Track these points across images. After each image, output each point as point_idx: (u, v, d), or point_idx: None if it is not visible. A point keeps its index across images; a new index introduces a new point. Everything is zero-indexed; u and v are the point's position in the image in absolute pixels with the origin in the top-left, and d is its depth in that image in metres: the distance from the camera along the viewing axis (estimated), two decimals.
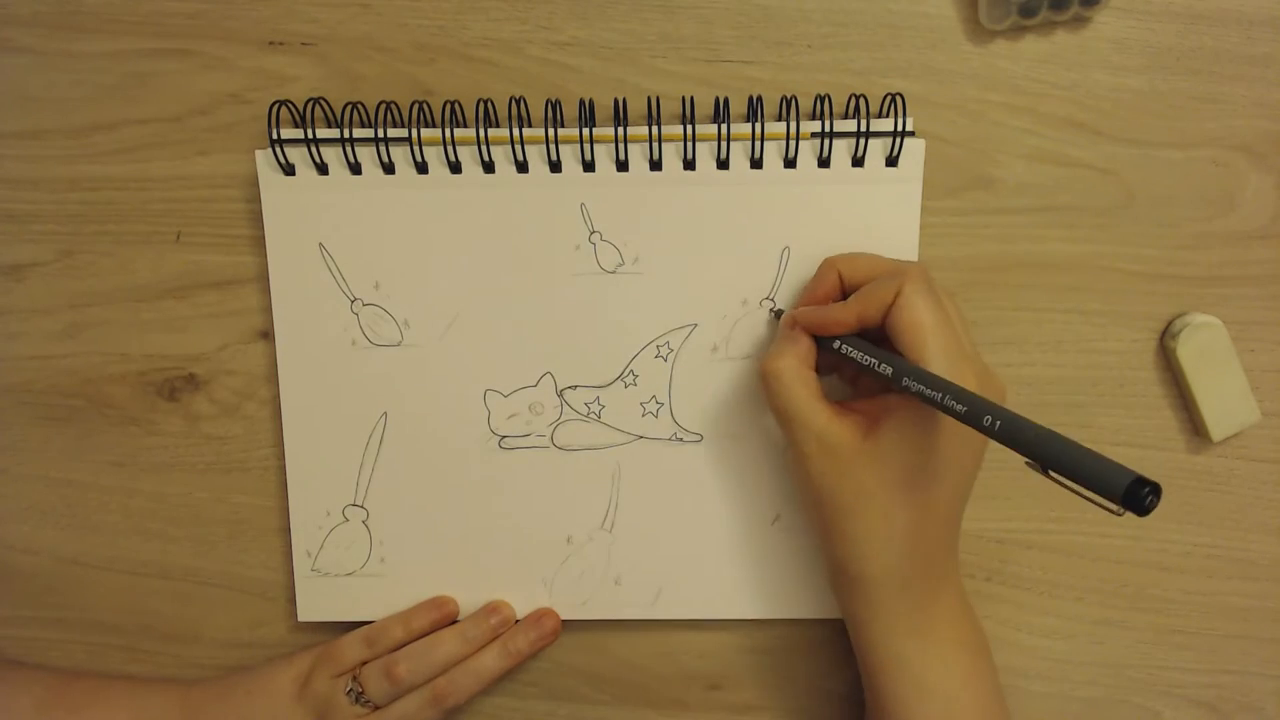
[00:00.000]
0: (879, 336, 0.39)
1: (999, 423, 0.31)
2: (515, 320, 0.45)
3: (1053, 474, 0.29)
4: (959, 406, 0.32)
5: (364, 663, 0.45)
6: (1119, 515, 0.28)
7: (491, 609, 0.46)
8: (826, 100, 0.43)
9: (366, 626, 0.47)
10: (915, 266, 0.39)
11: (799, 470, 0.40)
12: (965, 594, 0.42)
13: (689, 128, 0.43)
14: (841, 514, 0.39)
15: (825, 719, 0.49)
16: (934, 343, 0.37)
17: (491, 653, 0.46)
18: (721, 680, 0.49)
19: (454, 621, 0.47)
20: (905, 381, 0.35)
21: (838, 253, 0.43)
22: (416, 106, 0.43)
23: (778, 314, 0.44)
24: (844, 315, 0.39)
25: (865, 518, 0.38)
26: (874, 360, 0.37)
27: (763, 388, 0.41)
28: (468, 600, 0.47)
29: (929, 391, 0.34)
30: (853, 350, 0.39)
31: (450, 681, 0.45)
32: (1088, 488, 0.28)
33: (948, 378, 0.35)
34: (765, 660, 0.48)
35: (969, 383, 0.36)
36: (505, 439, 0.46)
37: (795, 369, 0.40)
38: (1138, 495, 0.26)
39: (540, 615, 0.47)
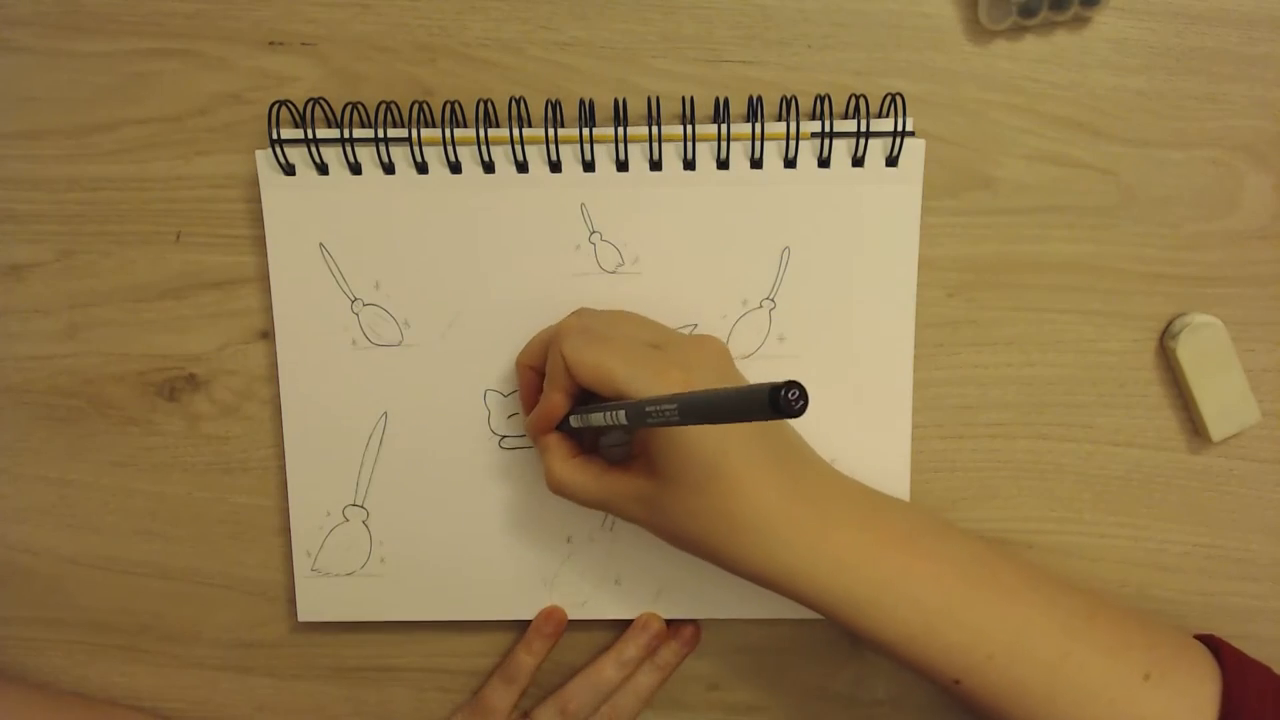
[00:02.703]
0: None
1: (671, 410, 0.31)
2: (515, 320, 0.45)
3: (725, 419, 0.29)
4: (675, 415, 0.32)
5: (515, 704, 0.47)
6: (775, 418, 0.27)
7: (641, 626, 0.47)
8: (826, 100, 0.43)
9: (499, 668, 0.47)
10: (565, 322, 0.41)
11: (655, 533, 0.40)
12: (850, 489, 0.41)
13: (689, 128, 0.43)
14: (706, 536, 0.38)
15: (825, 719, 0.49)
16: (618, 373, 0.37)
17: (645, 673, 0.47)
18: (721, 680, 0.49)
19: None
20: (629, 420, 0.35)
21: (836, 254, 0.43)
22: (416, 106, 0.43)
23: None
24: (551, 400, 0.40)
25: (720, 518, 0.38)
26: (604, 415, 0.37)
27: (568, 498, 0.41)
28: (469, 601, 0.47)
29: (654, 415, 0.33)
30: (586, 421, 0.39)
31: (615, 709, 0.46)
32: (739, 419, 0.28)
33: (649, 388, 0.36)
34: (765, 660, 0.48)
35: (670, 375, 0.36)
36: (505, 439, 0.46)
37: (568, 470, 0.40)
38: (779, 400, 0.26)
39: (679, 627, 0.47)
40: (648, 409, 0.32)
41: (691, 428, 0.36)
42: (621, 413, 0.36)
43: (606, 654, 0.47)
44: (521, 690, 0.47)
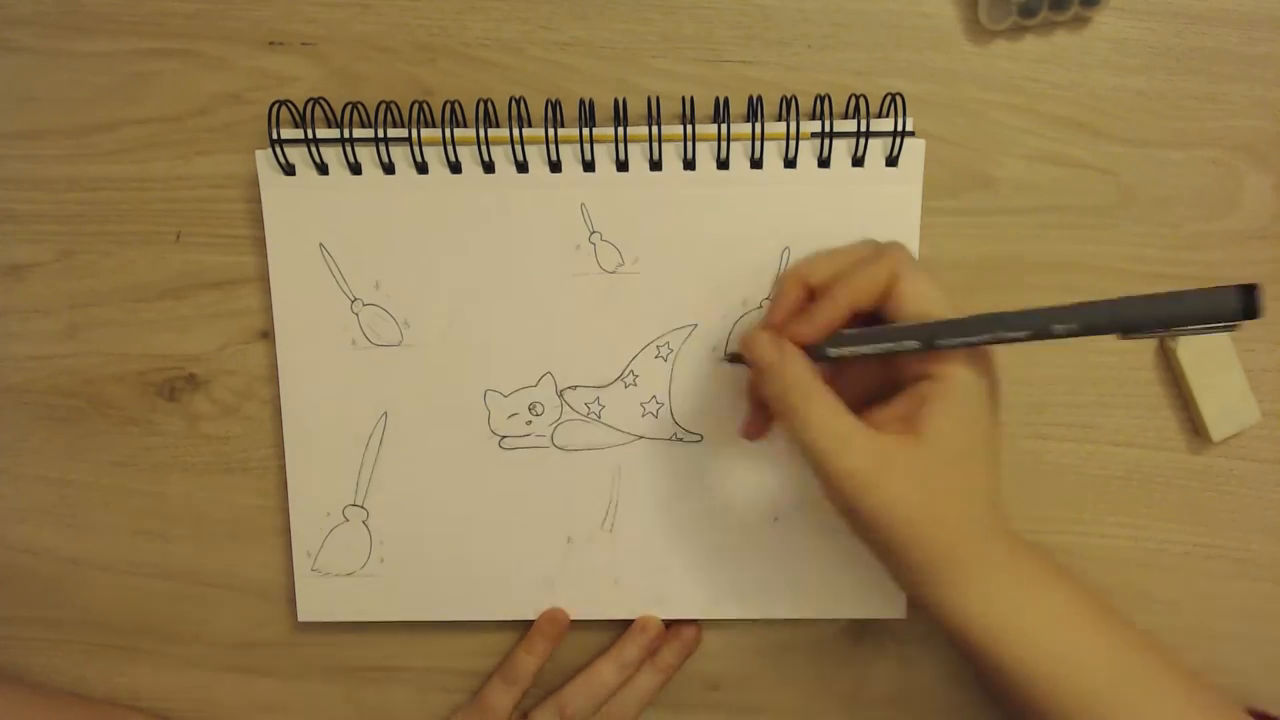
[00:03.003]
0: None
1: (1072, 324, 0.30)
2: (515, 320, 0.45)
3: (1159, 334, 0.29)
4: (1020, 333, 0.31)
5: (516, 705, 0.47)
6: (1238, 327, 0.27)
7: (640, 627, 0.47)
8: (826, 100, 0.43)
9: (500, 668, 0.47)
10: (896, 246, 0.37)
11: (854, 503, 0.35)
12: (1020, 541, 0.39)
13: (689, 128, 0.43)
14: (913, 520, 0.35)
15: (825, 719, 0.49)
16: (945, 308, 0.35)
17: (646, 675, 0.47)
18: (721, 680, 0.49)
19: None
20: (942, 342, 0.33)
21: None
22: (416, 106, 0.43)
23: (732, 358, 0.43)
24: (834, 311, 0.36)
25: (943, 506, 0.35)
26: (892, 342, 0.34)
27: (785, 426, 0.37)
28: (468, 601, 0.47)
29: (977, 337, 0.32)
30: (858, 347, 0.36)
31: (615, 711, 0.46)
32: (1196, 324, 0.28)
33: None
34: (765, 660, 0.48)
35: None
36: (505, 439, 0.46)
37: (811, 381, 0.36)
38: (1249, 302, 0.26)
39: (679, 628, 0.47)
40: (1045, 323, 0.30)
41: (971, 405, 0.35)
42: (914, 340, 0.33)
43: (605, 655, 0.47)
44: (522, 691, 0.47)
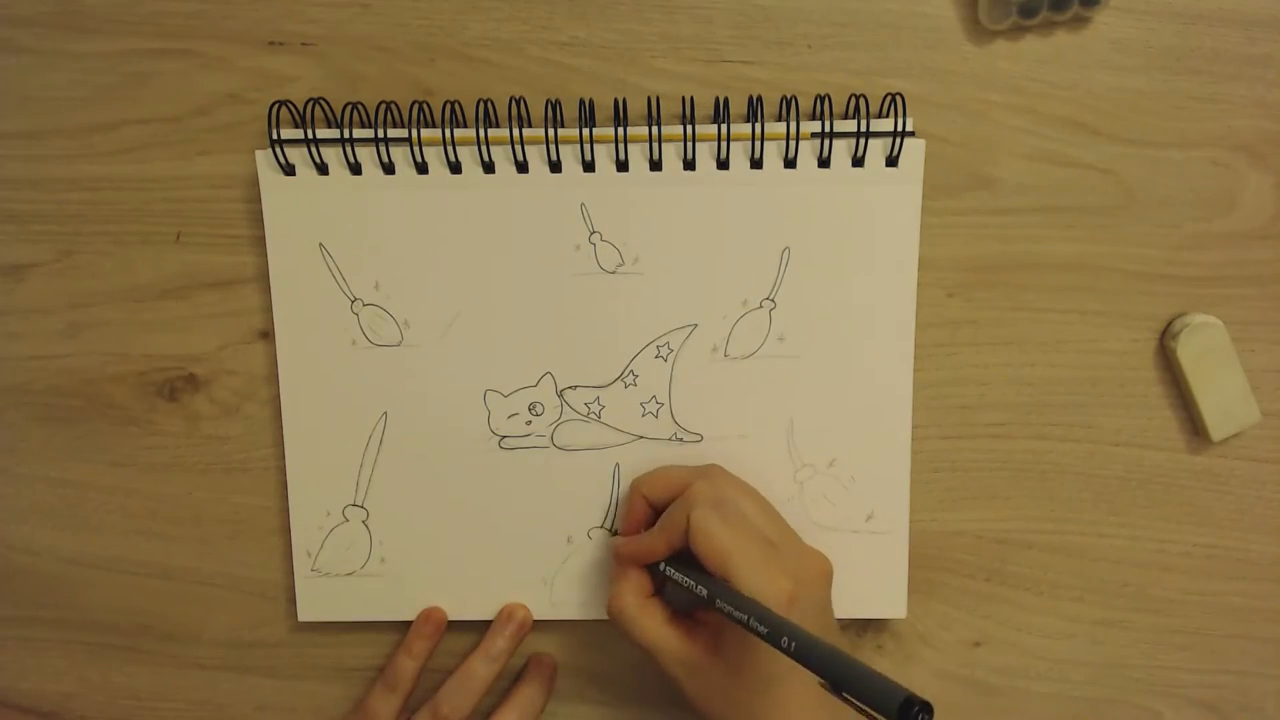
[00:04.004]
0: None
1: (794, 644, 0.34)
2: (515, 320, 0.45)
3: (845, 695, 0.32)
4: (761, 628, 0.35)
5: (400, 710, 0.46)
6: None
7: (506, 617, 0.46)
8: (826, 100, 0.43)
9: (381, 674, 0.47)
10: (700, 485, 0.41)
11: (677, 691, 0.41)
12: None
13: (689, 128, 0.43)
14: (729, 713, 0.39)
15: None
16: (734, 561, 0.38)
17: (477, 662, 0.46)
18: None
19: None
20: (718, 604, 0.37)
21: (836, 254, 0.43)
22: (416, 106, 0.43)
23: (614, 532, 0.46)
24: (654, 545, 0.41)
25: (746, 709, 0.39)
26: (692, 584, 0.39)
27: (617, 627, 0.42)
28: (469, 601, 0.47)
29: (736, 614, 0.36)
30: (675, 574, 0.41)
31: (451, 706, 0.45)
32: (867, 705, 0.30)
33: (757, 588, 0.37)
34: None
35: (779, 583, 0.38)
36: (505, 439, 0.46)
37: (636, 605, 0.41)
38: (908, 713, 0.29)
39: (510, 611, 0.46)
40: (775, 634, 0.34)
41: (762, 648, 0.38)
42: (705, 590, 0.38)
43: (475, 651, 0.46)
44: (405, 695, 0.46)
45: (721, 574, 0.38)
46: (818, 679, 0.32)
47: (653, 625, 0.41)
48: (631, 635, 0.41)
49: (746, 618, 0.36)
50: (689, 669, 0.40)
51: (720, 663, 0.39)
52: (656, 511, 0.43)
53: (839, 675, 0.32)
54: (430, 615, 0.46)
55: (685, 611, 0.42)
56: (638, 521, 0.44)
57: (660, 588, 0.43)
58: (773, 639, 0.34)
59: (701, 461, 0.45)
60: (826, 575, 0.42)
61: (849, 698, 0.31)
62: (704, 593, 0.38)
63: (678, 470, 0.44)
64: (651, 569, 0.43)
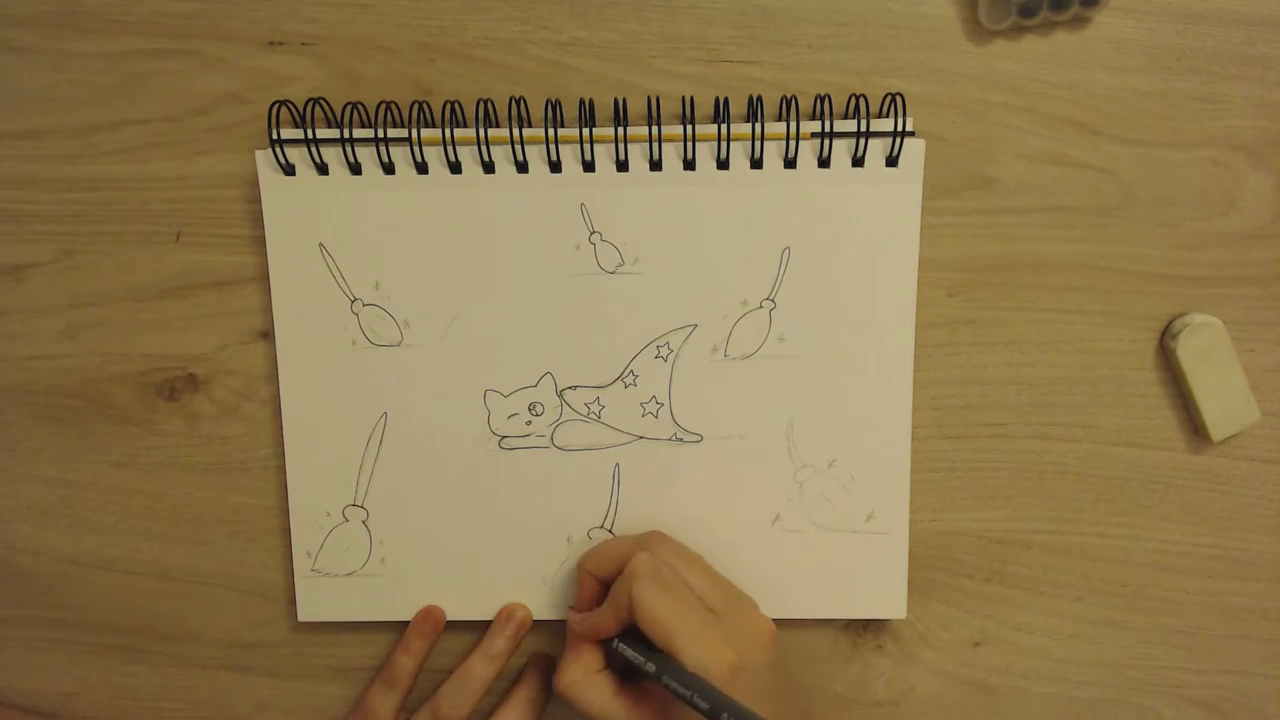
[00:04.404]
0: None
1: None
2: (515, 320, 0.45)
3: None
4: (703, 704, 0.36)
5: (399, 708, 0.46)
6: None
7: (506, 616, 0.46)
8: (826, 100, 0.43)
9: (379, 672, 0.47)
10: (641, 558, 0.41)
11: None
12: None
13: (689, 128, 0.43)
14: None
15: (825, 719, 0.49)
16: (676, 633, 0.38)
17: (476, 662, 0.46)
18: None
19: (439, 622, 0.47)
20: (663, 680, 0.38)
21: (836, 254, 0.43)
22: (416, 106, 0.43)
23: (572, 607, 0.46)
24: (603, 622, 0.41)
25: None
26: (640, 660, 0.40)
27: (565, 702, 0.42)
28: (468, 601, 0.47)
29: (681, 690, 0.37)
30: (625, 650, 0.41)
31: (450, 705, 0.45)
32: None
33: (700, 660, 0.37)
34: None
35: (722, 654, 0.38)
36: (505, 439, 0.46)
37: (583, 680, 0.41)
38: None
39: (509, 611, 0.46)
40: (715, 711, 0.36)
41: None
42: (652, 665, 0.39)
43: (475, 651, 0.46)
44: (404, 693, 0.46)
45: (665, 647, 0.38)
46: None
47: (599, 699, 0.41)
48: (579, 708, 0.41)
49: (690, 694, 0.37)
50: None
51: None
52: (605, 586, 0.43)
53: None
54: (429, 613, 0.46)
55: (635, 681, 0.42)
56: (589, 598, 0.44)
57: (611, 660, 0.43)
58: (713, 716, 0.36)
59: (701, 462, 0.45)
60: (772, 639, 0.42)
61: None
62: (651, 669, 0.39)
63: (620, 543, 0.44)
64: (604, 642, 0.42)
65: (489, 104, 0.43)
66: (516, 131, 0.42)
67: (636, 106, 0.44)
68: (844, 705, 0.48)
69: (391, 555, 0.46)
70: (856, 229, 0.44)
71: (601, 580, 0.43)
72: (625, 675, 0.42)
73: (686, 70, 0.44)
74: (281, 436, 0.46)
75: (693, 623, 0.39)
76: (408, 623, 0.47)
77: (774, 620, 0.47)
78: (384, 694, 0.46)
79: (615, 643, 0.42)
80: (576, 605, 0.45)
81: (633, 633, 0.41)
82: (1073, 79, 0.44)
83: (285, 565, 0.48)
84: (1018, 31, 0.43)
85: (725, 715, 0.36)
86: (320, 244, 0.45)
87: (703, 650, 0.38)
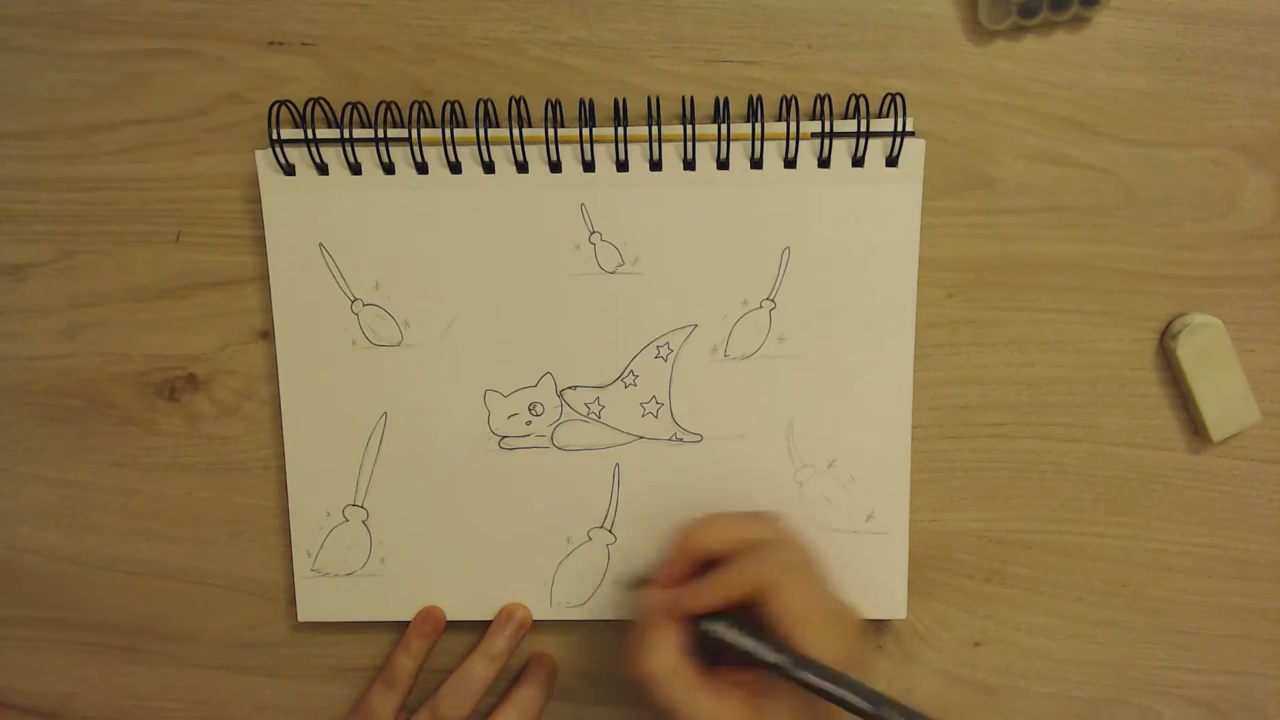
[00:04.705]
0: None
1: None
2: (515, 320, 0.45)
3: None
4: (865, 705, 0.34)
5: (399, 708, 0.46)
6: None
7: (505, 617, 0.46)
8: (826, 100, 0.43)
9: (380, 672, 0.47)
10: (773, 546, 0.39)
11: None
12: None
13: (689, 128, 0.43)
14: None
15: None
16: (810, 626, 0.36)
17: (476, 662, 0.46)
18: None
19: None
20: (803, 675, 0.35)
21: (836, 254, 0.43)
22: (416, 106, 0.43)
23: (638, 584, 0.44)
24: (703, 599, 0.38)
25: None
26: (761, 651, 0.36)
27: (640, 689, 0.38)
28: (468, 601, 0.47)
29: (832, 689, 0.34)
30: (730, 637, 0.37)
31: (450, 705, 0.45)
32: None
33: (828, 655, 0.35)
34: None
35: (846, 647, 0.37)
36: (505, 439, 0.46)
37: (671, 667, 0.37)
38: None
39: (509, 611, 0.46)
40: (879, 705, 0.33)
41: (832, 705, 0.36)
42: (780, 658, 0.36)
43: (475, 651, 0.46)
44: (404, 694, 0.46)
45: (793, 638, 0.36)
46: None
47: (685, 687, 0.37)
48: (664, 700, 0.37)
49: (844, 693, 0.34)
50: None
51: (763, 715, 0.37)
52: (698, 564, 0.40)
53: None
54: (429, 614, 0.46)
55: (704, 665, 0.39)
56: (682, 573, 0.40)
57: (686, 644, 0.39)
58: (875, 715, 0.33)
59: (701, 462, 0.45)
60: (859, 624, 0.40)
61: None
62: (779, 661, 0.36)
63: (735, 520, 0.41)
64: (691, 624, 0.39)
65: (489, 104, 0.43)
66: (516, 131, 0.42)
67: (636, 106, 0.44)
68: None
69: (391, 555, 0.46)
70: (856, 229, 0.44)
71: (700, 559, 0.40)
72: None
73: (686, 70, 0.44)
74: (281, 436, 0.46)
75: (823, 617, 0.37)
76: (408, 623, 0.47)
77: None
78: (384, 694, 0.46)
79: (715, 628, 0.38)
80: (661, 580, 0.40)
81: (713, 618, 0.38)
82: (1073, 79, 0.44)
83: (285, 565, 0.48)
84: (1018, 31, 0.43)
85: (888, 709, 0.33)
86: (320, 244, 0.45)
87: (830, 643, 0.36)
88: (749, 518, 0.42)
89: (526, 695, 0.46)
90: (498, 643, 0.46)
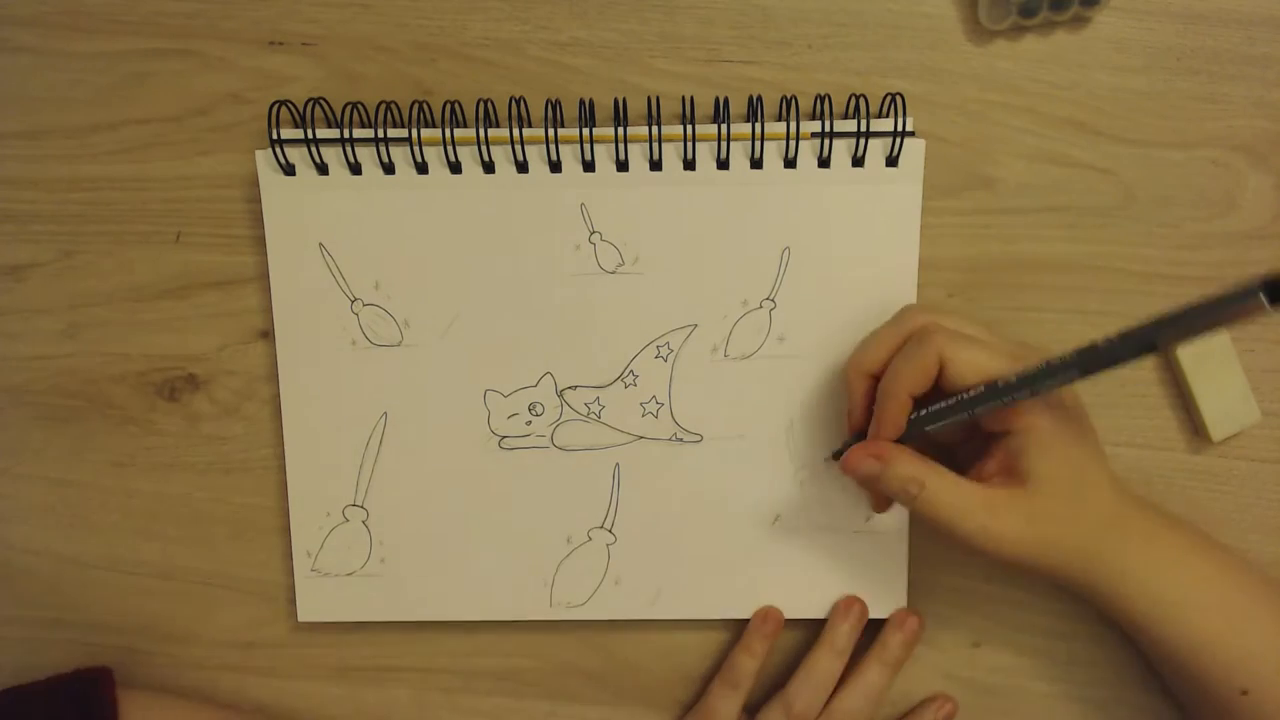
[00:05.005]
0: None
1: (1113, 338, 0.32)
2: (515, 320, 0.45)
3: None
4: (1074, 367, 0.34)
5: (741, 709, 0.46)
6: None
7: (844, 609, 0.46)
8: (826, 100, 0.43)
9: (720, 672, 0.46)
10: (928, 321, 0.39)
11: (1003, 546, 0.38)
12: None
13: (689, 128, 0.43)
14: (1055, 535, 0.38)
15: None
16: (1003, 368, 0.37)
17: (873, 669, 0.45)
18: None
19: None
20: (1015, 397, 0.36)
21: (836, 254, 0.44)
22: (416, 106, 0.43)
23: (836, 455, 0.44)
24: (899, 407, 0.39)
25: (1065, 530, 0.38)
26: (973, 409, 0.37)
27: (924, 519, 0.39)
28: (469, 601, 0.47)
29: (1060, 377, 0.35)
30: (946, 419, 0.38)
31: (804, 703, 0.45)
32: (1229, 319, 0.29)
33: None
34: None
35: (1014, 351, 0.38)
36: (505, 439, 0.46)
37: (937, 483, 0.38)
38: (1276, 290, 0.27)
39: (902, 617, 0.46)
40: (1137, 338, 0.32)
41: (1062, 433, 0.38)
42: (1000, 399, 0.36)
43: (819, 645, 0.46)
44: (746, 693, 0.46)
45: (982, 369, 0.37)
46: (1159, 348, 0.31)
47: (946, 487, 0.38)
48: (929, 508, 0.38)
49: (1070, 371, 0.34)
50: (1001, 514, 0.38)
51: (1028, 488, 0.38)
52: (876, 382, 0.41)
53: (1176, 321, 0.30)
54: (768, 614, 0.46)
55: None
56: (864, 402, 0.41)
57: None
58: (1122, 353, 0.32)
59: (701, 462, 0.45)
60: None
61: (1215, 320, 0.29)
62: (995, 403, 0.36)
63: (881, 331, 0.41)
64: (907, 438, 0.40)
65: (489, 104, 0.43)
66: (516, 131, 0.42)
67: (636, 106, 0.44)
68: None
69: (391, 555, 0.46)
70: (856, 229, 0.44)
71: (874, 375, 0.41)
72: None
73: (686, 70, 0.44)
74: (281, 436, 0.46)
75: (1008, 359, 0.37)
76: (408, 623, 0.47)
77: None
78: (727, 695, 0.46)
79: (923, 414, 0.39)
80: (853, 422, 0.42)
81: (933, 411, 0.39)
82: (1073, 79, 0.44)
83: (285, 565, 0.48)
84: (1018, 31, 0.43)
85: (1102, 342, 0.32)
86: (320, 244, 0.45)
87: (1014, 355, 0.37)
88: (891, 322, 0.41)
89: (868, 679, 0.46)
90: (841, 635, 0.45)
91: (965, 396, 0.38)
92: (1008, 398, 0.36)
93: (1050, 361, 0.35)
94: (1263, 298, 0.27)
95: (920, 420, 0.39)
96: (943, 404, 0.39)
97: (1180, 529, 0.41)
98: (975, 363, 0.37)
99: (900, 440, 0.40)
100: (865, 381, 0.41)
